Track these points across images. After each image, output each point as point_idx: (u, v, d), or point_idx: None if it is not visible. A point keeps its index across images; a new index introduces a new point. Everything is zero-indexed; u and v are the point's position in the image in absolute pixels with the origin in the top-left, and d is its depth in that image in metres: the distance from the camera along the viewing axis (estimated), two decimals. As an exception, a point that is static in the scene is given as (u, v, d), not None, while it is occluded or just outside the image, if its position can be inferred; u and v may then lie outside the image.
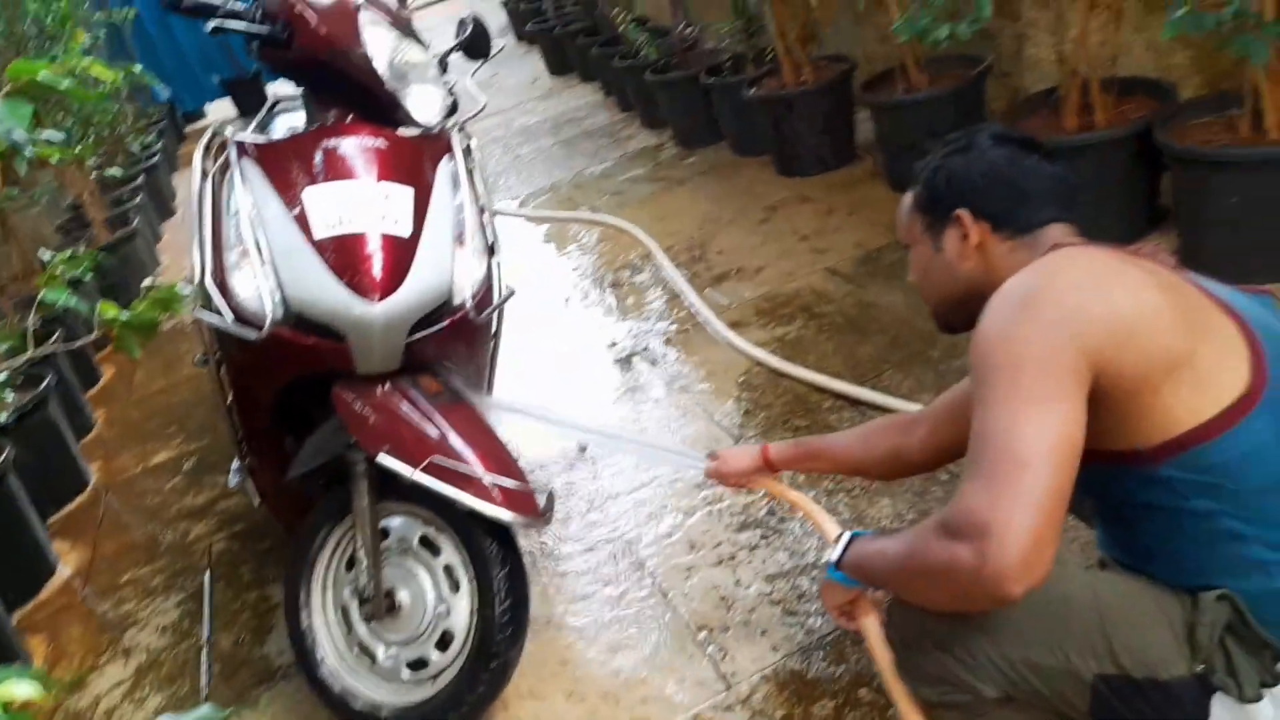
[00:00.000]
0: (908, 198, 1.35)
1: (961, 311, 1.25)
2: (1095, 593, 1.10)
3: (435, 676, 1.74)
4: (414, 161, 1.78)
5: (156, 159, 6.85)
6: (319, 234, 1.65)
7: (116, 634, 2.38)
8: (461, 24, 2.27)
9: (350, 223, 1.66)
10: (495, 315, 1.96)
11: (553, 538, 2.24)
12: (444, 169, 1.83)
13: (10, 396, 2.57)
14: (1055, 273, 1.10)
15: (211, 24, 1.65)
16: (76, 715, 2.14)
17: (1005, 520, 0.95)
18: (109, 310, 1.47)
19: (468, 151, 1.99)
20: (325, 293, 1.62)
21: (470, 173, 1.94)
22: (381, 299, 1.63)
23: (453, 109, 2.00)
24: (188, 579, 2.51)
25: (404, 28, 1.92)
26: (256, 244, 1.66)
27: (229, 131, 1.79)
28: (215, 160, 1.84)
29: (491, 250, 1.89)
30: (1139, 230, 2.61)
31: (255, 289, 1.64)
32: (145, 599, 2.49)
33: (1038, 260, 1.14)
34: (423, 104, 1.87)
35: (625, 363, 2.93)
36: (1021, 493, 0.95)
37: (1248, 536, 1.03)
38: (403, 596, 1.78)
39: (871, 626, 1.25)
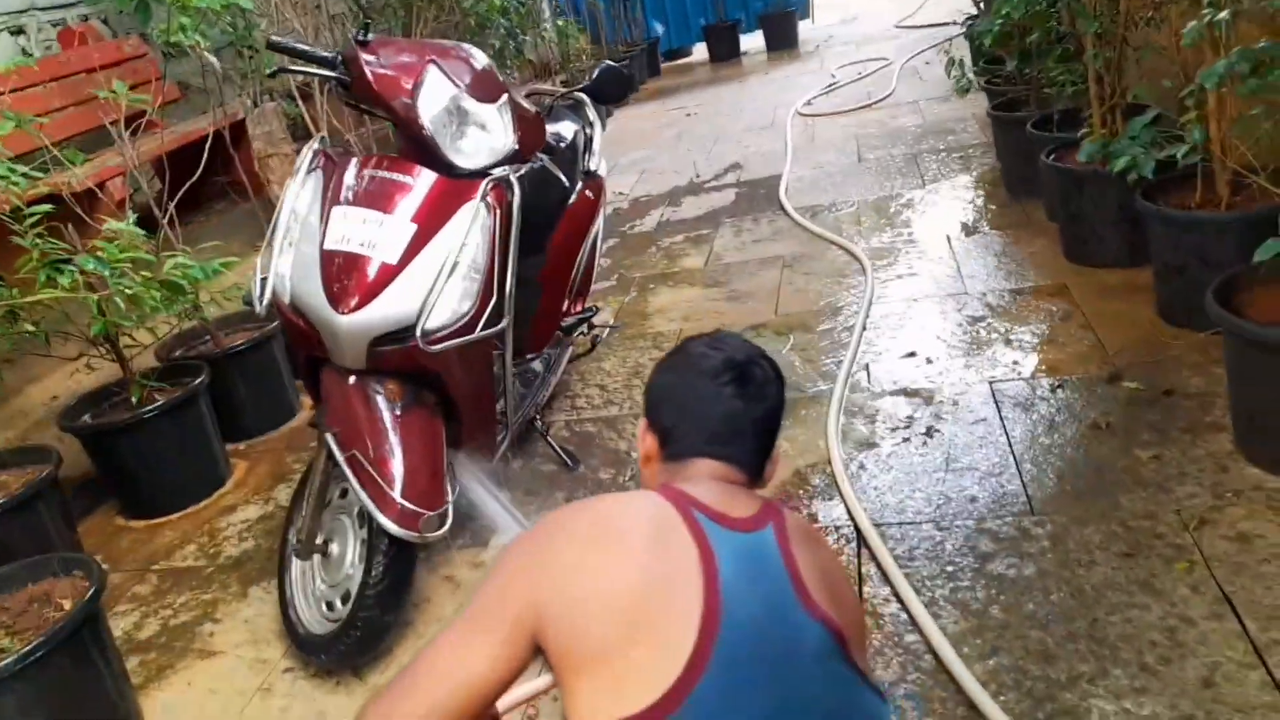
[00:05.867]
0: None
1: None
2: None
3: (334, 621, 2.11)
4: (433, 201, 2.04)
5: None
6: (328, 245, 2.01)
7: (275, 481, 3.13)
8: (594, 71, 2.43)
9: (351, 242, 1.99)
10: (498, 349, 2.18)
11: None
12: (463, 212, 2.05)
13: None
14: (568, 519, 1.08)
15: (275, 67, 2.05)
16: (213, 530, 2.90)
17: (369, 713, 1.01)
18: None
19: (510, 200, 2.13)
20: (312, 295, 1.99)
21: (502, 217, 2.10)
22: (347, 313, 1.95)
23: (513, 157, 2.17)
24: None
25: (483, 85, 2.14)
26: (290, 238, 2.06)
27: (318, 144, 2.19)
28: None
29: (492, 293, 2.08)
30: None
31: (279, 272, 2.06)
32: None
33: (589, 501, 1.11)
34: (468, 151, 2.10)
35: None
36: (394, 698, 1.01)
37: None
38: (334, 548, 2.16)
39: None
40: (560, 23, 7.87)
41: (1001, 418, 2.54)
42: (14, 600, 2.04)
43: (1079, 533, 2.05)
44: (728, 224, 4.69)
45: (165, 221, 3.32)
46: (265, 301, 2.03)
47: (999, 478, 2.30)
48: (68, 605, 1.98)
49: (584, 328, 3.10)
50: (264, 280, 2.06)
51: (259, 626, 2.38)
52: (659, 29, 10.63)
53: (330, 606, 2.14)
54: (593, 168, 2.99)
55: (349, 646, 2.04)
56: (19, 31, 5.04)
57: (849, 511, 2.27)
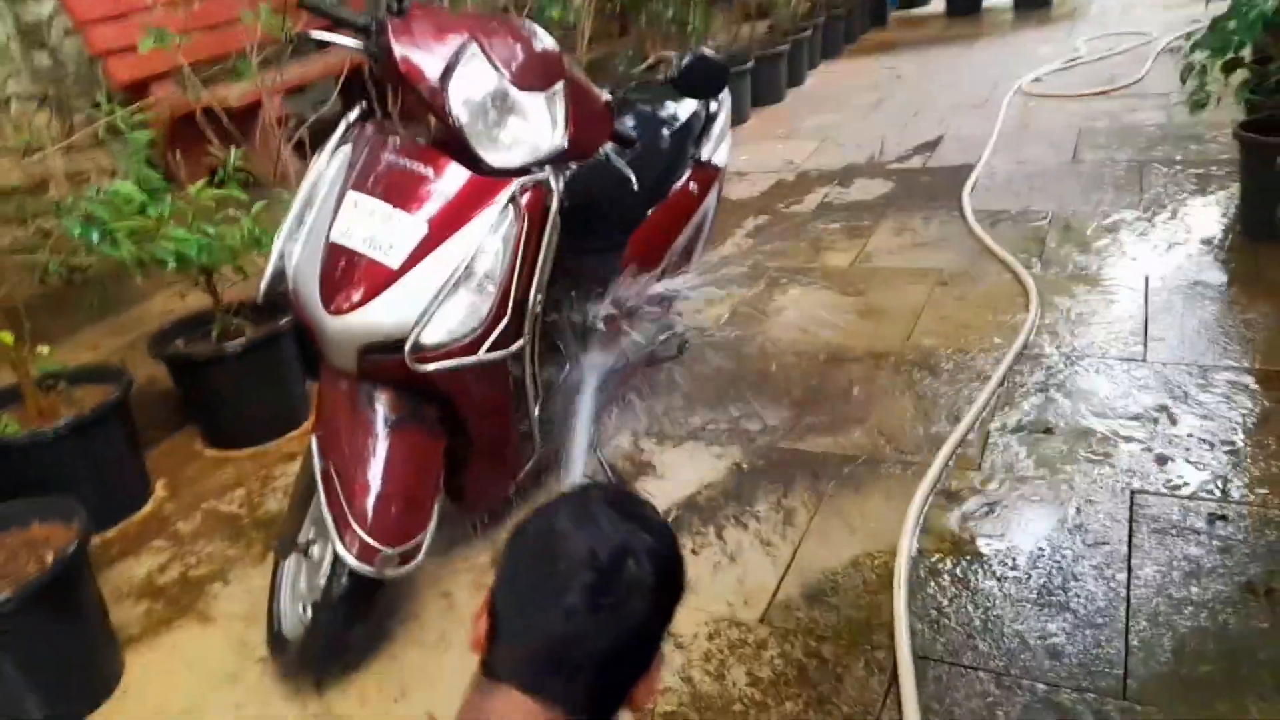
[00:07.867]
0: None
1: None
2: None
3: (304, 626, 1.98)
4: (450, 200, 1.77)
5: (806, 33, 7.03)
6: (333, 236, 1.80)
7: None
8: (679, 63, 2.07)
9: (352, 237, 1.77)
10: (510, 367, 1.92)
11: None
12: (483, 216, 1.77)
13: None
14: None
15: (314, 33, 1.81)
16: (268, 476, 2.88)
17: None
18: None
19: (547, 204, 1.84)
20: (307, 288, 1.80)
21: (532, 224, 1.82)
22: (335, 314, 1.75)
23: (564, 155, 1.86)
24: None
25: (535, 68, 1.83)
26: (302, 217, 1.87)
27: (353, 115, 1.96)
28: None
29: (508, 310, 1.81)
30: None
31: (288, 255, 1.89)
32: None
33: None
34: (506, 144, 1.81)
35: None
36: None
37: None
38: (315, 550, 2.01)
39: None
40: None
41: (1130, 545, 2.01)
42: (8, 541, 2.04)
43: (1178, 745, 1.56)
44: (893, 217, 4.14)
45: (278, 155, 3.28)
46: (264, 287, 1.87)
47: (1098, 631, 1.81)
48: (50, 559, 1.96)
49: (674, 331, 2.78)
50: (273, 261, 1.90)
51: (258, 601, 2.29)
52: (895, -22, 9.73)
53: (305, 609, 2.02)
54: (706, 157, 2.62)
55: (310, 656, 1.93)
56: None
57: (891, 634, 1.87)
